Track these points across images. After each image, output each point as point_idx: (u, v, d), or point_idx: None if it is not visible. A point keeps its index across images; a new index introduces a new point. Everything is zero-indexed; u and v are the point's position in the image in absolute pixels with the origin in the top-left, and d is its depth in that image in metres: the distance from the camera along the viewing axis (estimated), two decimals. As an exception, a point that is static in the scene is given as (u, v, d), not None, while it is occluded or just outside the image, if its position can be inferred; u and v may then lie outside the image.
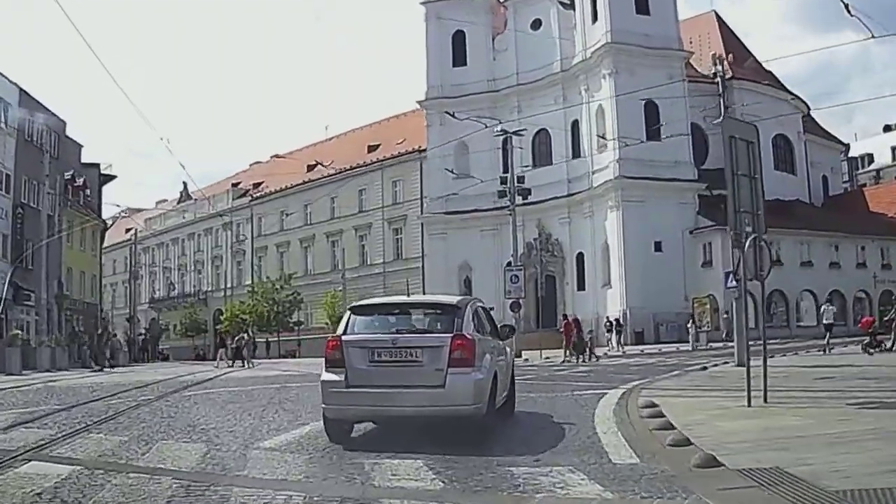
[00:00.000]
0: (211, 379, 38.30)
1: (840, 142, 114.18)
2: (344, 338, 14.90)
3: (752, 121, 79.59)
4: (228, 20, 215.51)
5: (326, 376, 14.92)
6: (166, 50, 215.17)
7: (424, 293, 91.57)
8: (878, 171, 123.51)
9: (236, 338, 67.51)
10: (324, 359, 15.25)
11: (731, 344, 64.76)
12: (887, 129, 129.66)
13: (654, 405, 18.39)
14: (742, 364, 34.94)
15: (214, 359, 67.66)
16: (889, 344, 41.40)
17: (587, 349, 52.52)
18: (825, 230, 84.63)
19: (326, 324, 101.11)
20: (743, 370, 31.73)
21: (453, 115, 66.48)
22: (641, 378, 29.40)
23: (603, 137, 70.41)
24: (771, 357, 42.33)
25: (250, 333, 75.63)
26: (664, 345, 70.93)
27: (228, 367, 59.22)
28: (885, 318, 45.10)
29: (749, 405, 18.27)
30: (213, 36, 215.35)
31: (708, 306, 72.67)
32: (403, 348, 14.52)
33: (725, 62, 38.85)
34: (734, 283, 36.23)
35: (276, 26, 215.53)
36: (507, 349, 19.27)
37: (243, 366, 59.52)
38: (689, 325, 65.60)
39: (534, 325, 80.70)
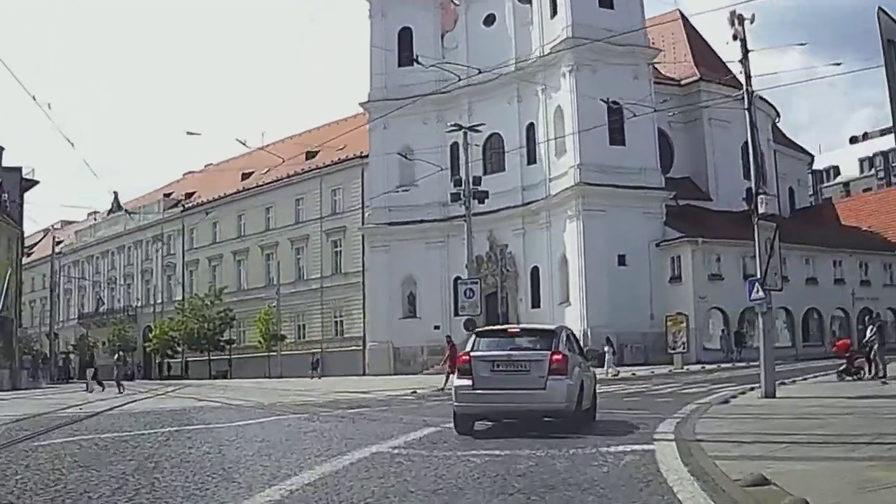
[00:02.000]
0: (99, 413, 30.03)
1: (807, 152, 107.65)
2: (472, 353, 19.80)
3: (722, 125, 74.16)
4: (163, 25, 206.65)
5: (458, 382, 19.92)
6: (103, 59, 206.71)
7: (365, 311, 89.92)
8: (845, 183, 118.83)
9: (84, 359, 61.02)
10: (456, 370, 20.70)
11: (710, 366, 58.90)
12: (854, 140, 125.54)
13: (766, 481, 11.37)
14: (770, 395, 28.43)
15: (123, 379, 60.49)
16: (868, 371, 35.95)
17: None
18: (801, 244, 77.30)
19: (260, 342, 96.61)
20: (783, 403, 25.07)
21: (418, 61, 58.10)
22: (654, 415, 23.12)
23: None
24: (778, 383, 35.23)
25: (121, 354, 67.64)
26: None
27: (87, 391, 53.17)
28: (864, 341, 38.71)
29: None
30: (151, 42, 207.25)
31: (684, 325, 64.80)
32: (516, 361, 19.56)
33: (742, 22, 30.54)
34: (760, 293, 29.49)
35: (212, 32, 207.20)
36: (591, 367, 23.76)
37: (102, 390, 53.37)
38: (605, 347, 56.10)
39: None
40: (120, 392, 50.63)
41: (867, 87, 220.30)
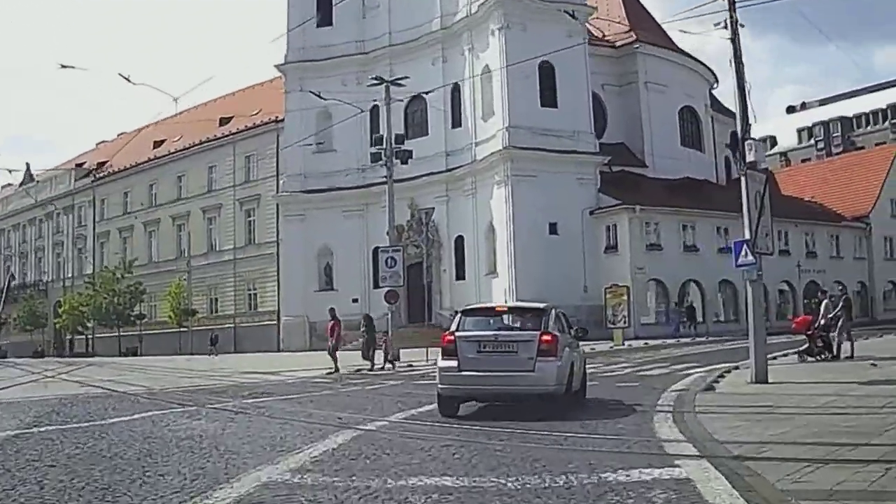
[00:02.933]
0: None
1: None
2: (457, 333, 18.74)
3: (659, 90, 69.79)
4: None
5: (443, 363, 18.80)
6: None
7: (279, 284, 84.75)
8: (783, 153, 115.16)
9: None
10: (441, 349, 19.33)
11: (653, 342, 54.29)
12: (791, 110, 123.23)
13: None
14: (762, 380, 23.74)
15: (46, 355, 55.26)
16: (835, 350, 31.24)
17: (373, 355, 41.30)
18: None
19: (170, 317, 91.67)
20: (785, 391, 21.25)
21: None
22: (632, 405, 19.88)
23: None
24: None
25: None
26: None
27: None
28: (829, 317, 32.04)
29: None
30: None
31: (626, 298, 59.64)
32: (503, 342, 18.49)
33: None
34: (749, 257, 24.58)
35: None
36: (580, 346, 22.19)
37: None
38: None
39: (405, 319, 66.41)
40: None
41: (791, 65, 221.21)
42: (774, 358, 32.11)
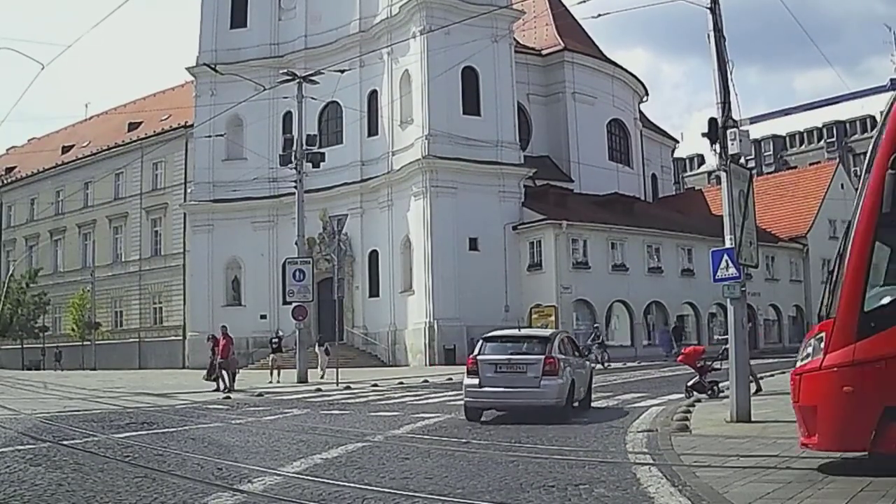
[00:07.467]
0: None
1: (672, 137, 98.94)
2: (479, 357, 22.15)
3: (587, 101, 65.12)
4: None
5: (468, 381, 22.02)
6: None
7: (185, 297, 79.39)
8: (712, 172, 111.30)
9: None
10: (466, 370, 22.57)
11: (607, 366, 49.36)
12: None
13: None
14: (744, 417, 19.15)
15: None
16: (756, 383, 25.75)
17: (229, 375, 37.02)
18: (677, 231, 68.18)
19: (73, 330, 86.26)
20: (778, 433, 16.69)
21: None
22: (597, 448, 16.43)
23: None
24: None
25: None
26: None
27: None
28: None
29: None
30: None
31: (553, 318, 54.63)
32: (515, 363, 21.88)
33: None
34: (731, 270, 19.85)
35: None
36: (587, 363, 26.69)
37: None
38: (317, 347, 49.10)
39: (314, 337, 60.55)
40: None
41: (706, 92, 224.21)
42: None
